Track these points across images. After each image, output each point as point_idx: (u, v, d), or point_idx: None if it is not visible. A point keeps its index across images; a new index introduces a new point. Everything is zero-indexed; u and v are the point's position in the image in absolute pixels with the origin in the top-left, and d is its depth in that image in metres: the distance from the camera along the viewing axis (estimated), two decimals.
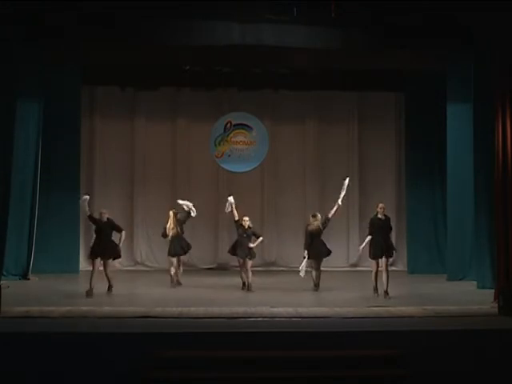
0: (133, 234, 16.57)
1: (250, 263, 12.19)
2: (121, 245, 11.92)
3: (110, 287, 11.74)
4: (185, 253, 13.31)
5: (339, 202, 12.40)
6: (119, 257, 12.09)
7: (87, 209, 11.99)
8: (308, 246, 12.31)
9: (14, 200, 12.44)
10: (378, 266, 11.57)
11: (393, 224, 12.11)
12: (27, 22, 11.62)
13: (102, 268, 11.64)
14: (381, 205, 11.79)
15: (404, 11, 11.84)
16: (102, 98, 16.52)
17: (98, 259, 11.63)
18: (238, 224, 12.42)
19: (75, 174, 15.32)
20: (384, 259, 11.52)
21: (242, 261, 12.22)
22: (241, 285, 12.40)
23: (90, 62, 14.78)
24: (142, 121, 16.69)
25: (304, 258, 12.23)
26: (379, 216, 11.69)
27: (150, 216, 16.36)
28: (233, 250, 12.45)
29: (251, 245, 12.26)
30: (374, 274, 11.63)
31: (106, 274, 11.68)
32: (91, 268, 11.76)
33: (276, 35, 12.19)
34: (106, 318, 9.33)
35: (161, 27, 12.07)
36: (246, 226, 12.31)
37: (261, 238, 12.55)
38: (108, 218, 11.87)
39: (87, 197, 12.07)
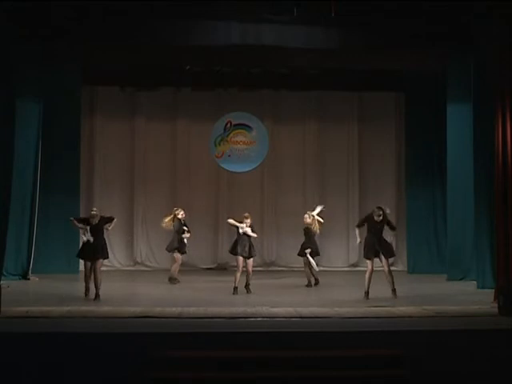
0: (133, 234, 16.61)
1: (250, 263, 12.09)
2: (110, 228, 11.58)
3: (97, 295, 11.11)
4: (171, 250, 13.53)
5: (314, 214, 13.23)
6: (107, 257, 11.71)
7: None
8: (313, 245, 13.12)
9: (14, 200, 12.44)
10: (372, 268, 11.35)
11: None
12: (27, 22, 11.63)
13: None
14: (379, 211, 11.43)
15: (404, 11, 11.86)
16: (102, 98, 16.54)
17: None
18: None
19: (75, 173, 15.31)
20: (384, 261, 11.35)
21: (241, 259, 12.01)
22: (232, 288, 11.86)
23: (90, 62, 14.79)
24: (142, 121, 16.71)
25: (310, 255, 12.97)
26: (375, 218, 11.36)
27: (150, 216, 16.38)
28: (233, 250, 12.29)
29: (249, 233, 12.02)
30: (368, 274, 11.27)
31: (96, 278, 11.14)
32: (84, 269, 11.48)
33: (276, 35, 12.20)
34: (105, 317, 9.32)
35: (161, 27, 12.08)
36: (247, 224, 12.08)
37: (254, 235, 12.22)
38: (99, 220, 11.36)
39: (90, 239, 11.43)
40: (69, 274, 14.30)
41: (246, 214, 12.15)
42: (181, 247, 13.47)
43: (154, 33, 12.14)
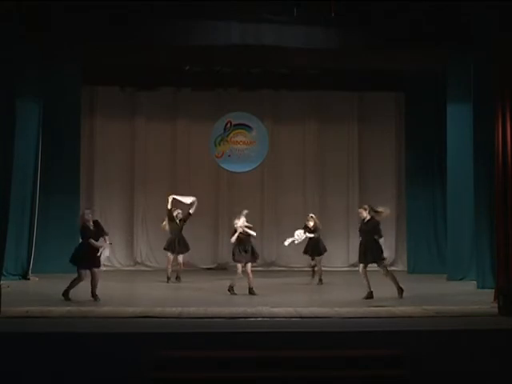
0: (133, 234, 16.61)
1: (249, 266, 11.99)
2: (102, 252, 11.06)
3: (94, 295, 10.99)
4: (173, 252, 13.61)
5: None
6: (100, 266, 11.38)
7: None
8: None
9: (14, 200, 12.41)
10: (362, 269, 11.20)
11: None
12: (27, 22, 11.62)
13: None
14: (359, 210, 11.38)
15: (404, 11, 11.87)
16: (102, 98, 16.55)
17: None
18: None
19: (75, 173, 15.31)
20: (381, 266, 11.29)
21: (242, 264, 11.90)
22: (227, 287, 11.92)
23: (90, 62, 14.79)
24: (142, 121, 16.72)
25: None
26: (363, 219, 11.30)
27: (150, 216, 16.39)
28: (234, 255, 12.03)
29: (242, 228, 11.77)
30: (362, 274, 11.18)
31: (93, 279, 10.99)
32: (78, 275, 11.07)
33: (276, 35, 12.21)
34: (105, 317, 9.32)
35: (161, 27, 12.08)
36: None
37: (253, 233, 12.01)
38: (94, 225, 11.12)
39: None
40: (69, 274, 14.25)
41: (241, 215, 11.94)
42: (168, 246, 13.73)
43: (154, 33, 12.14)
